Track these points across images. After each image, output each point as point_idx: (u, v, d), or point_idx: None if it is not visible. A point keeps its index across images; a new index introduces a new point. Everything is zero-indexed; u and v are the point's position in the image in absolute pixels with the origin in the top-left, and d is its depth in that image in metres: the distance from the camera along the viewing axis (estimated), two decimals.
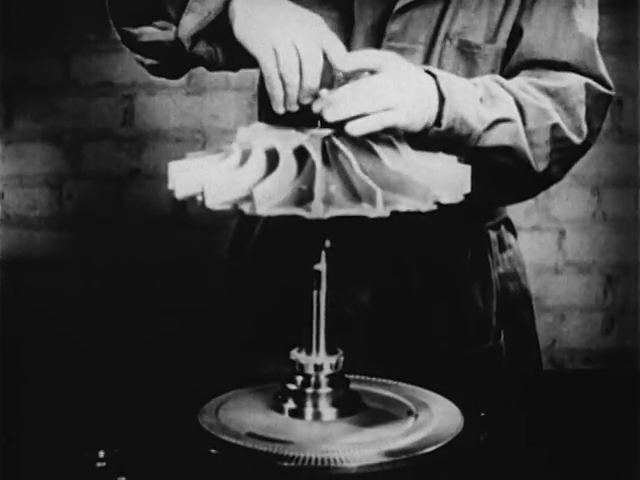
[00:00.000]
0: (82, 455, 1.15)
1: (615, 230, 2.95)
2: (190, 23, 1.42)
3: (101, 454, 1.15)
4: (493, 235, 1.67)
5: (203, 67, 1.53)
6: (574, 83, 1.51)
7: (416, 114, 1.31)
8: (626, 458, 1.21)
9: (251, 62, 1.36)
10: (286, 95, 1.33)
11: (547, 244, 2.96)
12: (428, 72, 1.36)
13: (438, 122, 1.35)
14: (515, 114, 1.43)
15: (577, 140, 1.49)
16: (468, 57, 1.55)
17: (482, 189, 1.24)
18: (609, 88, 1.55)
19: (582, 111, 1.50)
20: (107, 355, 2.80)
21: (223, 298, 1.75)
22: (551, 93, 1.48)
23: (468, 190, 1.19)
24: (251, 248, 1.69)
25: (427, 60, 1.54)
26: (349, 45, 1.54)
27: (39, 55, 2.86)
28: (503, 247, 1.69)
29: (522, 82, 1.48)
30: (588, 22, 1.55)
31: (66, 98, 2.88)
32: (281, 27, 1.32)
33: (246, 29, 1.36)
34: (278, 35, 1.32)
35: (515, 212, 2.88)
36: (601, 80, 1.54)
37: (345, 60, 1.29)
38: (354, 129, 1.22)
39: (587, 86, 1.52)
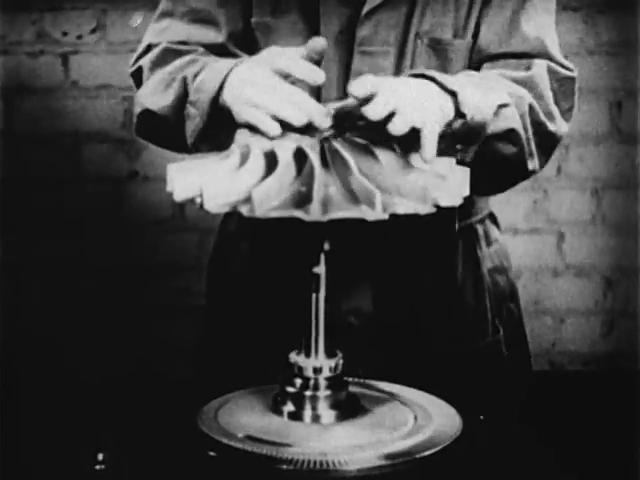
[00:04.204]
0: (81, 458, 1.15)
1: (614, 233, 2.95)
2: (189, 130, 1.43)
3: (100, 457, 1.15)
4: (480, 230, 1.68)
5: None
6: (538, 70, 1.51)
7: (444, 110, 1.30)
8: (626, 460, 1.21)
9: None
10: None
11: (546, 247, 2.96)
12: (423, 75, 1.35)
13: (460, 114, 1.33)
14: (508, 99, 1.43)
15: (550, 125, 1.49)
16: (440, 54, 1.55)
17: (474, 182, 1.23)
18: (570, 70, 1.56)
19: (550, 96, 1.51)
20: (106, 358, 2.80)
21: (209, 309, 1.76)
22: (519, 82, 1.48)
23: (467, 193, 1.19)
24: (245, 254, 1.68)
25: (400, 61, 1.55)
26: None
27: (39, 56, 2.86)
28: (489, 241, 1.69)
29: (493, 74, 1.49)
30: (544, 12, 1.56)
31: (65, 100, 2.88)
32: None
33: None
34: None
35: (514, 215, 2.91)
36: (560, 64, 1.55)
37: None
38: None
39: (549, 69, 1.53)
